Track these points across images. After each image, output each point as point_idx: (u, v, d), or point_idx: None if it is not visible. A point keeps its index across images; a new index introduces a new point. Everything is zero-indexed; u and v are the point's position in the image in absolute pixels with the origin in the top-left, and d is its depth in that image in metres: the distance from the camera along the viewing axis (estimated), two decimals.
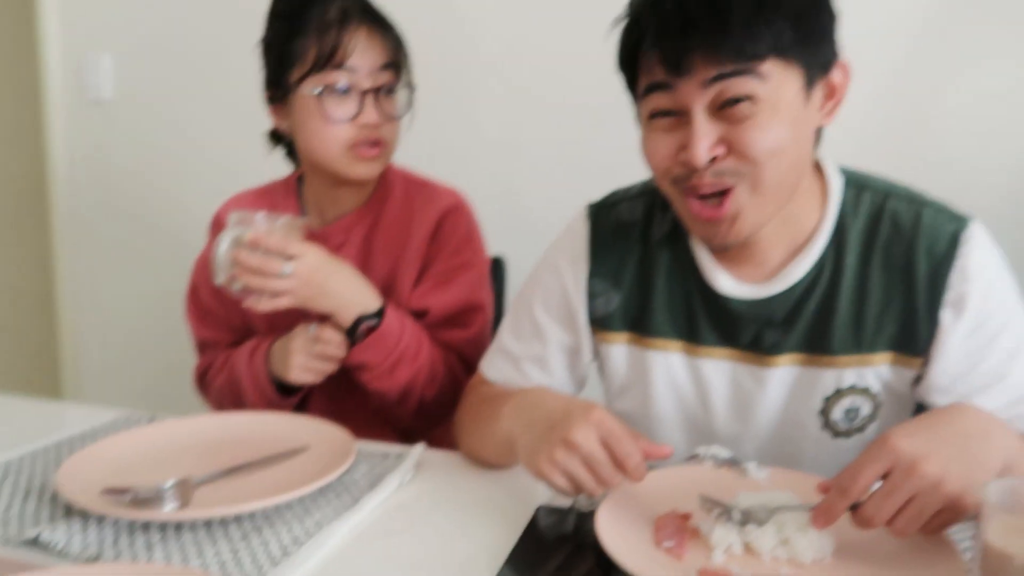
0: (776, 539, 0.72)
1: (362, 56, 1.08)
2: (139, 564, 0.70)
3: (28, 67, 2.64)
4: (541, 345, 1.03)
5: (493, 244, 1.47)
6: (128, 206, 2.45)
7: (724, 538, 0.72)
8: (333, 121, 1.08)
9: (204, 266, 1.22)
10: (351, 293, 1.07)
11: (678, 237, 0.96)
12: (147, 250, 2.40)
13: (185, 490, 0.80)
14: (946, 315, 0.86)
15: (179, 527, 0.77)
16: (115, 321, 2.51)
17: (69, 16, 2.42)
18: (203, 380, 1.25)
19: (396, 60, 1.12)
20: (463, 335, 1.16)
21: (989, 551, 0.61)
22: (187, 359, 1.31)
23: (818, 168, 0.93)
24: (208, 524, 0.78)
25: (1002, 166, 1.66)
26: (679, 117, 0.82)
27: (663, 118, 0.83)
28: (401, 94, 1.14)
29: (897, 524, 0.66)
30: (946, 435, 0.68)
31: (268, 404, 1.15)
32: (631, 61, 0.84)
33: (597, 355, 1.04)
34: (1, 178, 3.02)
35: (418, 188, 1.22)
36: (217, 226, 1.24)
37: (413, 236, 1.17)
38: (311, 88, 1.08)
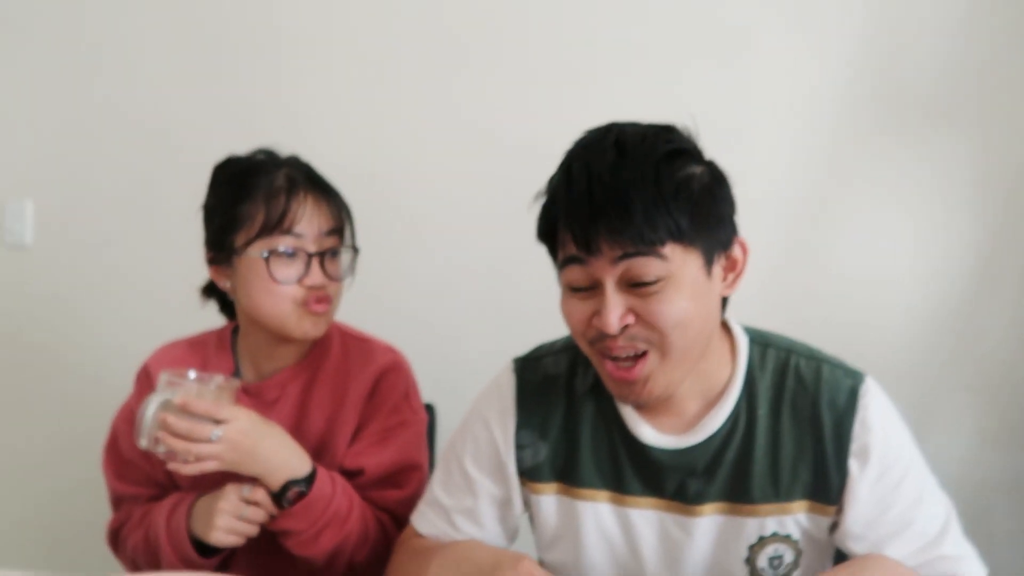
0: None
1: (308, 222, 1.12)
2: None
3: None
4: (472, 498, 1.04)
5: (424, 392, 1.49)
6: (43, 352, 2.36)
7: None
8: (280, 282, 1.11)
9: (127, 418, 1.19)
10: (281, 458, 1.07)
11: (601, 390, 1.01)
12: (62, 399, 2.29)
13: None
14: (853, 464, 0.92)
15: None
16: (27, 474, 2.33)
17: None
18: (116, 537, 1.20)
19: (340, 225, 1.17)
20: (398, 495, 1.15)
21: None
22: (101, 513, 1.25)
23: (725, 326, 1.00)
24: None
25: (892, 319, 1.81)
26: (593, 288, 0.89)
27: (580, 291, 0.91)
28: (344, 256, 1.18)
29: None
30: None
31: (186, 565, 1.10)
32: (550, 234, 0.92)
33: (527, 506, 1.05)
34: None
35: (356, 344, 1.24)
36: (144, 378, 1.23)
37: (350, 393, 1.18)
38: (258, 251, 1.11)
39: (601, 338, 0.89)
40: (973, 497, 1.74)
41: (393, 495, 1.15)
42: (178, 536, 1.10)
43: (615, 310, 0.87)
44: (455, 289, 2.01)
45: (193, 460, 1.01)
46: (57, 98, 2.29)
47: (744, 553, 0.95)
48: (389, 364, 1.21)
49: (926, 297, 1.81)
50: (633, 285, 0.87)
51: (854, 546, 0.93)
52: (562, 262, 0.91)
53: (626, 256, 0.85)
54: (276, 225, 1.10)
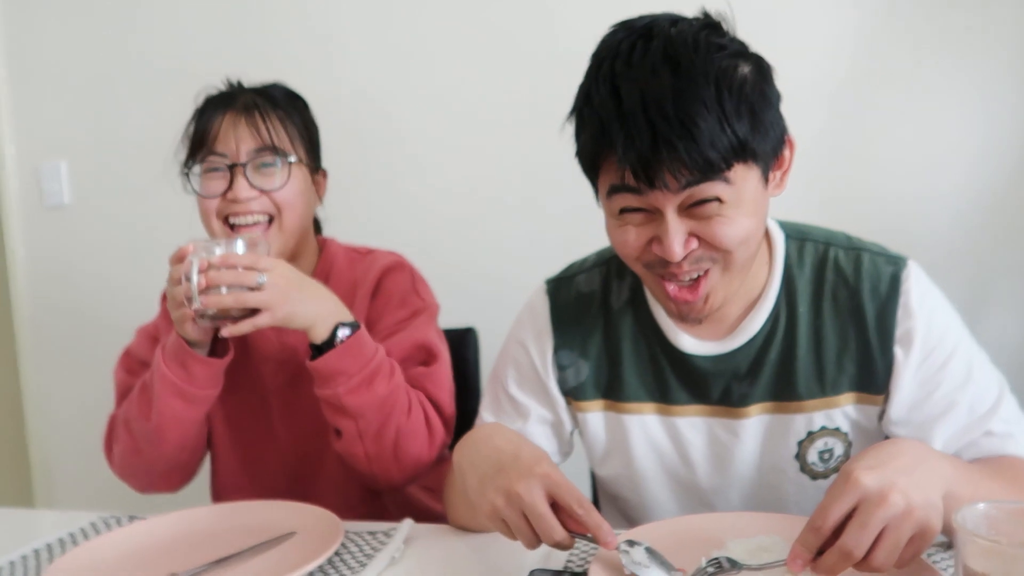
0: None
1: (232, 142, 1.11)
2: None
3: None
4: (522, 421, 1.04)
5: (466, 315, 1.50)
6: (88, 308, 2.44)
7: None
8: (204, 196, 1.12)
9: (147, 335, 1.22)
10: (328, 304, 1.05)
11: (637, 303, 1.00)
12: (109, 351, 2.38)
13: None
14: (898, 351, 0.90)
15: None
16: (83, 423, 2.46)
17: (24, 124, 2.45)
18: (113, 425, 1.16)
19: (275, 145, 1.12)
20: (424, 371, 1.14)
21: (968, 573, 0.63)
22: None
23: None
24: None
25: (941, 199, 1.76)
26: (649, 212, 0.84)
27: (633, 213, 0.85)
28: (280, 171, 1.12)
29: (876, 557, 0.67)
30: (899, 465, 0.69)
31: (184, 383, 1.04)
32: (594, 161, 0.86)
33: (576, 424, 1.05)
34: None
35: (359, 257, 1.24)
36: (165, 300, 1.22)
37: (358, 302, 1.17)
38: (190, 171, 1.14)
39: (662, 264, 0.86)
40: None
41: (420, 370, 1.13)
42: (174, 347, 1.05)
43: (678, 237, 0.83)
44: (492, 208, 2.00)
45: (242, 314, 0.99)
46: (87, 59, 2.31)
47: (793, 449, 0.95)
48: (389, 264, 1.21)
49: (975, 179, 1.74)
50: (694, 206, 0.82)
51: (900, 431, 0.91)
52: (612, 189, 0.85)
53: (690, 184, 0.80)
54: (199, 144, 1.12)
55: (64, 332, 2.47)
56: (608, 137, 0.81)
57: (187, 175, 1.14)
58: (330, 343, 1.02)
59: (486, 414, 1.07)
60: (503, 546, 0.92)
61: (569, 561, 0.86)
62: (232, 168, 1.10)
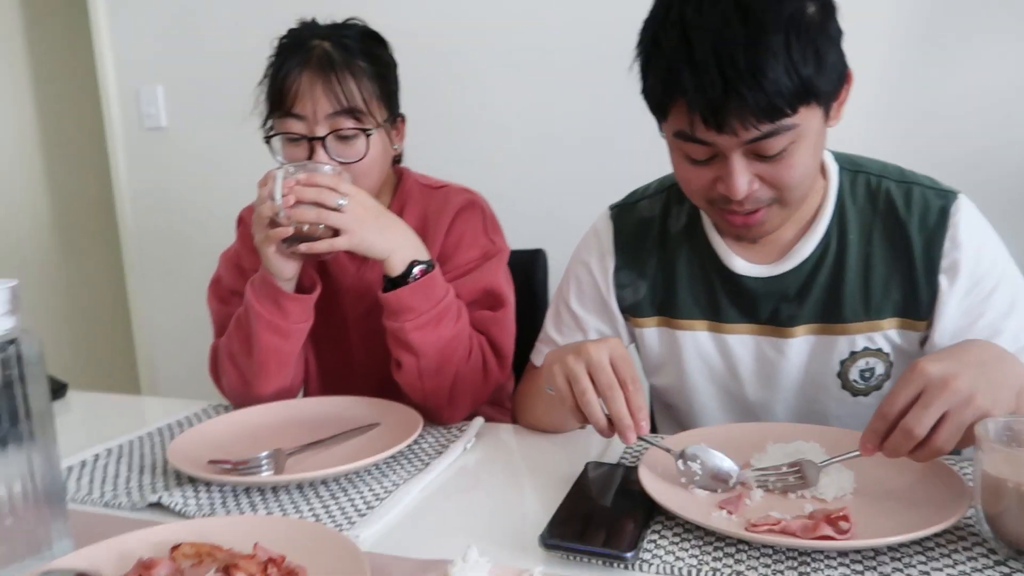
0: (802, 484, 0.81)
1: (310, 103, 1.09)
2: (255, 516, 0.81)
3: (91, 99, 2.85)
4: (582, 334, 1.13)
5: (534, 239, 1.58)
6: (183, 224, 2.63)
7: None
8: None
9: (229, 260, 1.27)
10: (405, 238, 1.07)
11: (694, 228, 1.06)
12: (201, 264, 2.57)
13: (278, 459, 0.92)
14: (943, 281, 0.94)
15: (275, 490, 0.89)
16: (180, 327, 2.69)
17: (123, 52, 2.60)
18: (216, 355, 1.22)
19: (354, 106, 1.11)
20: (490, 316, 1.17)
21: (986, 478, 0.69)
22: None
23: None
24: (300, 487, 0.89)
25: (1010, 141, 1.72)
26: (714, 153, 0.88)
27: (698, 150, 0.89)
28: (360, 140, 1.12)
29: (936, 438, 0.72)
30: (968, 360, 0.74)
31: (279, 320, 1.09)
32: (662, 104, 0.89)
33: (632, 338, 1.13)
34: (76, 200, 3.25)
35: (433, 192, 1.26)
36: (240, 224, 1.30)
37: (430, 238, 1.19)
38: (273, 132, 1.13)
39: (725, 201, 0.91)
40: None
41: (486, 315, 1.16)
42: (258, 284, 1.09)
43: (743, 178, 0.87)
44: (559, 137, 2.05)
45: (322, 235, 1.02)
46: None
47: (836, 368, 1.01)
48: (465, 202, 1.23)
49: None
50: (759, 149, 0.86)
51: None
52: (678, 134, 0.88)
53: (756, 128, 0.83)
54: (277, 103, 1.11)
55: (163, 246, 2.67)
56: (677, 84, 0.84)
57: (268, 140, 1.15)
58: (404, 278, 1.06)
59: (549, 328, 1.16)
60: (564, 441, 1.02)
61: (623, 457, 0.95)
62: (311, 141, 1.10)
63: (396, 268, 1.06)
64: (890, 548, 0.71)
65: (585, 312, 1.12)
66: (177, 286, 2.68)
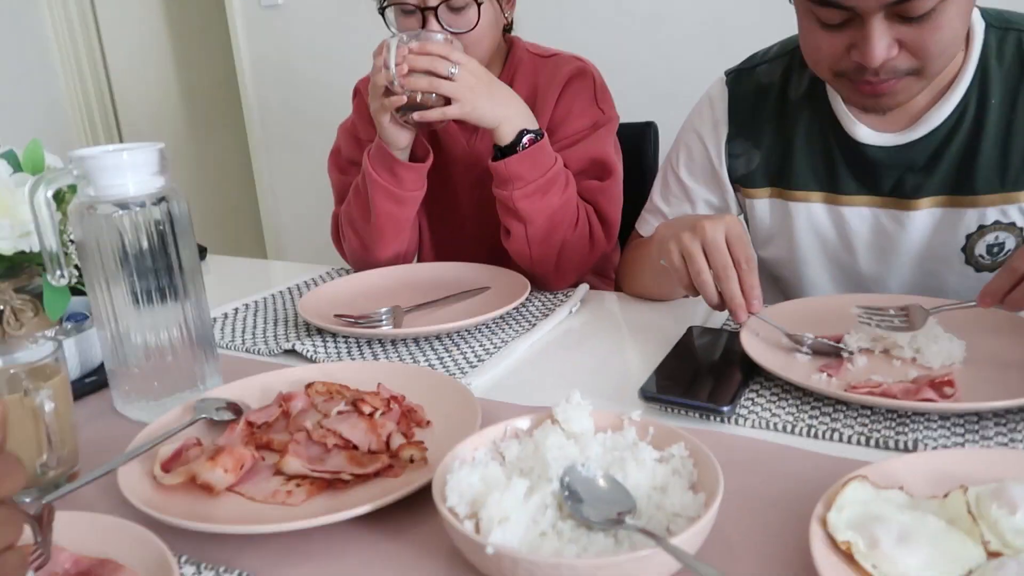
0: (910, 348, 0.81)
1: None
2: (377, 363, 0.88)
3: None
4: (689, 205, 1.12)
5: (646, 111, 1.55)
6: (305, 95, 2.71)
7: (860, 339, 0.82)
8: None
9: (347, 131, 1.31)
10: (515, 106, 1.08)
11: (816, 94, 1.01)
12: (320, 137, 2.67)
13: (397, 315, 0.99)
14: None
15: (394, 342, 0.96)
16: (305, 193, 2.84)
17: None
18: (337, 222, 1.28)
19: None
20: (598, 185, 1.17)
21: None
22: None
23: None
24: (416, 340, 0.96)
25: None
26: (850, 16, 0.82)
27: (832, 13, 0.83)
28: (471, 10, 1.11)
29: None
30: None
31: (395, 187, 1.13)
32: None
33: (742, 209, 1.12)
34: (201, 76, 3.41)
35: (544, 60, 1.24)
36: (356, 95, 1.33)
37: (540, 107, 1.19)
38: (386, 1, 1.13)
39: (857, 71, 0.85)
40: None
41: (593, 184, 1.17)
42: (379, 153, 1.12)
43: (882, 42, 0.80)
44: (673, 5, 1.97)
45: (434, 103, 1.03)
46: None
47: (961, 242, 0.97)
48: (575, 70, 1.22)
49: None
50: (904, 11, 0.78)
51: None
52: None
53: None
54: None
55: (284, 119, 2.79)
56: None
57: (382, 11, 1.15)
58: (513, 147, 1.07)
59: (656, 197, 1.16)
60: (668, 308, 1.05)
61: (726, 324, 0.97)
62: (423, 11, 1.10)
63: (506, 137, 1.07)
64: (995, 414, 0.71)
65: (694, 182, 1.11)
66: (299, 157, 2.81)
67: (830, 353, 0.82)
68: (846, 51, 0.85)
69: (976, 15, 0.93)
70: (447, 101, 1.05)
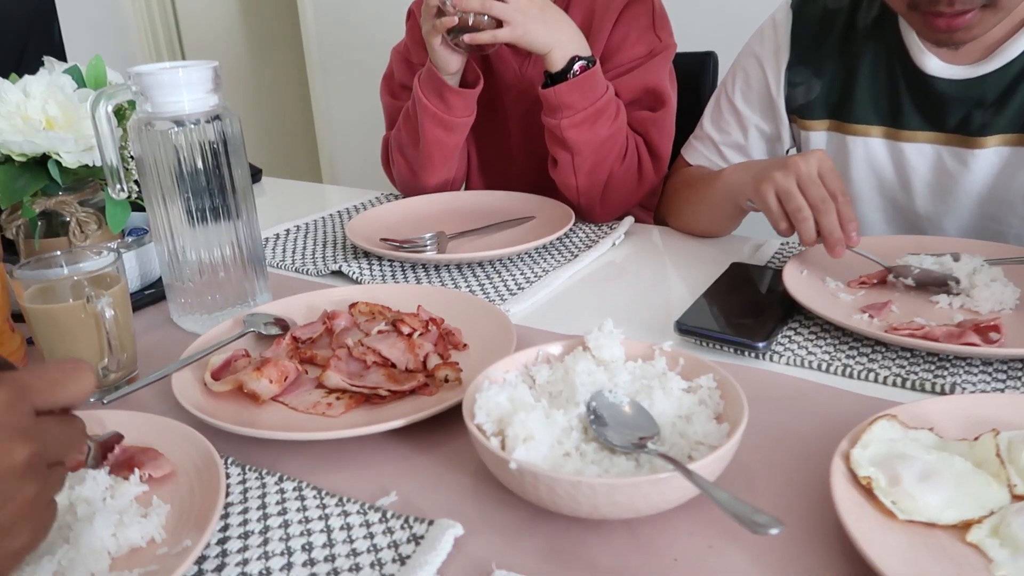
0: (961, 288, 0.79)
1: None
2: (419, 286, 0.91)
3: None
4: (741, 133, 1.09)
5: (705, 40, 1.50)
6: (363, 17, 2.69)
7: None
8: None
9: (399, 55, 1.31)
10: (568, 31, 1.07)
11: (885, 22, 0.97)
12: (377, 60, 2.67)
13: (441, 241, 1.00)
14: None
15: (437, 267, 0.98)
16: (360, 117, 2.86)
17: None
18: (387, 147, 1.29)
19: None
20: (650, 116, 1.15)
21: None
22: None
23: None
24: (459, 266, 0.98)
25: None
26: None
27: None
28: None
29: None
30: None
31: (444, 113, 1.14)
32: None
33: (796, 140, 1.09)
34: (260, 5, 3.41)
35: None
36: (410, 16, 1.32)
37: (596, 32, 1.17)
38: None
39: (931, 2, 0.82)
40: None
41: (645, 115, 1.15)
42: (430, 78, 1.13)
43: None
44: None
45: (487, 25, 1.03)
46: None
47: None
48: None
49: None
50: None
51: None
52: None
53: None
54: None
55: (342, 42, 2.78)
56: None
57: None
58: (563, 74, 1.06)
59: (706, 123, 1.13)
60: (713, 244, 1.04)
61: (771, 261, 0.96)
62: None
63: (557, 63, 1.06)
64: None
65: (749, 109, 1.08)
66: (355, 81, 2.82)
67: (936, 284, 0.81)
68: None
69: None
70: (499, 24, 1.03)
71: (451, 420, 0.62)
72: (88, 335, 0.69)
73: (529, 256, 1.01)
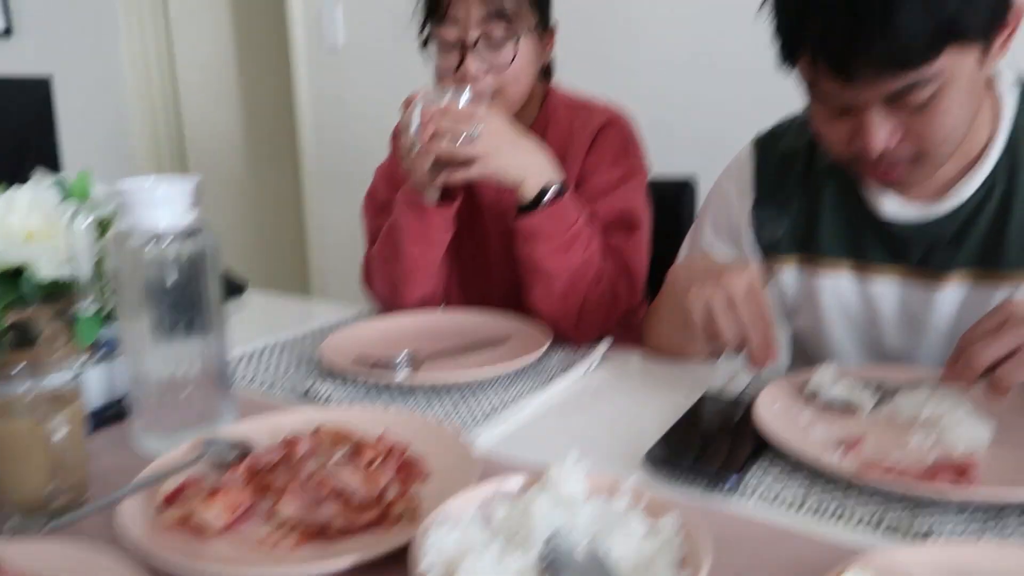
0: (932, 432, 0.78)
1: (464, 6, 1.12)
2: (386, 410, 0.89)
3: (276, 19, 3.04)
4: None
5: (687, 165, 1.54)
6: (360, 135, 2.78)
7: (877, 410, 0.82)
8: (440, 72, 1.17)
9: (383, 174, 1.34)
10: (539, 161, 1.09)
11: (841, 165, 0.99)
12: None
13: (415, 362, 1.00)
14: None
15: (410, 389, 0.97)
16: (350, 238, 2.90)
17: None
18: (368, 264, 1.30)
19: (502, 8, 1.12)
20: (624, 240, 1.18)
21: None
22: None
23: (989, 81, 0.91)
24: (431, 388, 0.97)
25: None
26: (846, 102, 0.82)
27: (830, 104, 0.84)
28: (508, 47, 1.15)
29: (1001, 371, 0.72)
30: None
31: (422, 230, 1.16)
32: (789, 55, 0.83)
33: (767, 278, 1.09)
34: (260, 114, 3.53)
35: (577, 110, 1.26)
36: (395, 138, 1.35)
37: (571, 156, 1.20)
38: (429, 37, 1.17)
39: (864, 157, 0.85)
40: None
41: (620, 239, 1.17)
42: (409, 195, 1.15)
43: (880, 132, 0.80)
44: (715, 59, 1.97)
45: (460, 167, 1.05)
46: None
47: None
48: (607, 120, 1.23)
49: None
50: (901, 96, 0.78)
51: None
52: (810, 83, 0.84)
53: (891, 77, 0.76)
54: (433, 10, 1.15)
55: (338, 158, 2.86)
56: (800, 30, 0.80)
57: (425, 44, 1.20)
58: (535, 204, 1.08)
59: (684, 252, 1.14)
60: (688, 372, 1.03)
61: (744, 392, 0.95)
62: (462, 48, 1.14)
63: (528, 194, 1.08)
64: (1019, 505, 0.67)
65: (721, 243, 1.10)
66: (349, 197, 2.88)
67: (844, 409, 0.82)
68: (851, 137, 0.84)
69: (1006, 85, 0.91)
70: (471, 161, 1.06)
71: (404, 557, 0.59)
72: (38, 456, 0.67)
73: (503, 379, 0.99)
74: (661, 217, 1.29)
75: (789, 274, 1.06)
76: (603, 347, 1.09)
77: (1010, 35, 0.81)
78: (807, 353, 1.11)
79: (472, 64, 1.14)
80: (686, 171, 1.54)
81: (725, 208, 1.09)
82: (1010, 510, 0.67)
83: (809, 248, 1.03)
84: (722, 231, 1.10)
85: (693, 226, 1.16)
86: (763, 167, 1.06)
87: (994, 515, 0.67)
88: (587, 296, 1.12)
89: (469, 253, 1.33)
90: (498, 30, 1.13)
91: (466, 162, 1.06)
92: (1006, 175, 0.90)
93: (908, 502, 0.69)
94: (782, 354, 1.05)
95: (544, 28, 1.21)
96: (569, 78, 1.35)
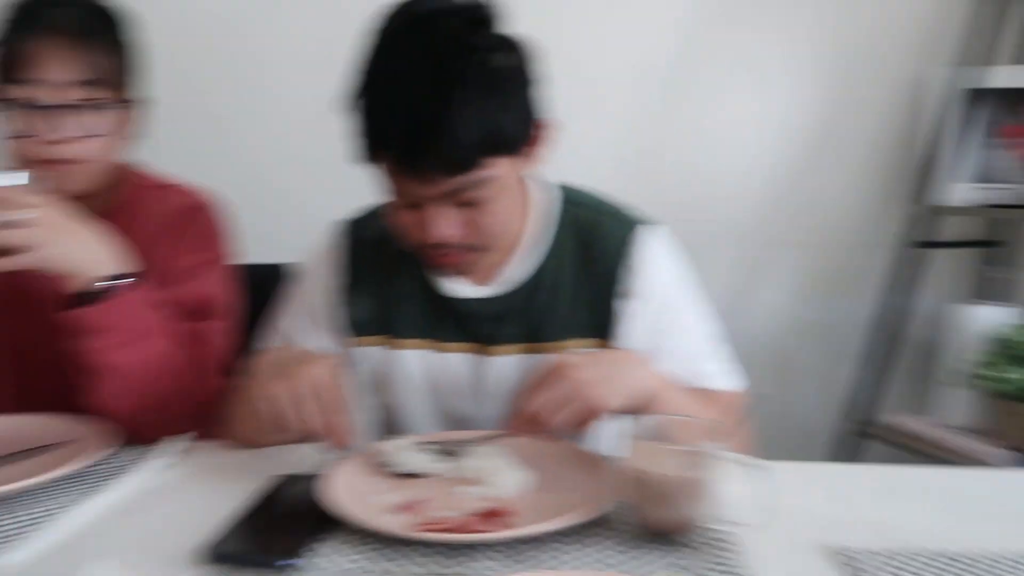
0: (482, 485, 0.86)
1: (50, 69, 1.04)
2: None
3: None
4: (303, 342, 1.11)
5: (281, 251, 1.52)
6: None
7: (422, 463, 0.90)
8: (12, 137, 1.06)
9: None
10: (99, 251, 1.00)
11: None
12: None
13: None
14: (624, 305, 1.05)
15: None
16: None
17: None
18: None
19: (96, 77, 1.07)
20: (204, 327, 1.14)
21: (634, 471, 0.77)
22: None
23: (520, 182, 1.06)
24: None
25: (736, 175, 1.96)
26: (415, 196, 0.93)
27: (400, 196, 0.94)
28: (93, 116, 1.08)
29: (544, 414, 0.85)
30: (599, 358, 0.91)
31: None
32: (363, 148, 0.93)
33: (350, 357, 1.12)
34: None
35: (155, 192, 1.21)
36: None
37: (148, 241, 1.13)
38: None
39: (428, 244, 0.95)
40: (788, 340, 2.00)
41: (199, 326, 1.13)
42: None
43: (440, 225, 0.92)
44: (303, 146, 2.00)
45: (10, 251, 0.94)
46: None
47: None
48: (188, 204, 1.20)
49: (767, 154, 1.97)
50: (456, 198, 0.91)
51: None
52: (386, 178, 0.94)
53: (446, 179, 0.89)
54: (9, 70, 1.05)
55: None
56: (371, 132, 0.91)
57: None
58: (97, 295, 0.99)
59: (268, 340, 1.13)
60: (273, 457, 1.00)
61: (323, 470, 0.95)
62: (43, 109, 1.04)
63: (80, 285, 0.99)
64: (551, 537, 0.76)
65: (303, 326, 1.11)
66: None
67: (413, 475, 0.89)
68: (418, 227, 0.95)
69: (542, 186, 1.09)
70: (19, 249, 0.94)
71: None
72: None
73: (55, 487, 0.88)
74: (255, 299, 1.26)
75: (372, 353, 1.11)
76: (182, 442, 1.01)
77: (539, 145, 0.98)
78: (394, 425, 1.16)
79: (53, 130, 1.03)
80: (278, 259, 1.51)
81: (308, 292, 1.12)
82: (544, 541, 0.75)
83: (390, 329, 1.10)
84: (308, 315, 1.11)
85: (277, 316, 1.16)
86: (348, 251, 1.11)
87: (534, 550, 0.74)
88: (162, 389, 1.05)
89: (17, 353, 1.17)
90: (80, 95, 1.06)
91: (10, 251, 0.94)
92: (549, 262, 1.07)
93: (466, 552, 0.74)
94: (366, 431, 1.08)
95: (128, 105, 1.14)
96: (164, 157, 1.28)
